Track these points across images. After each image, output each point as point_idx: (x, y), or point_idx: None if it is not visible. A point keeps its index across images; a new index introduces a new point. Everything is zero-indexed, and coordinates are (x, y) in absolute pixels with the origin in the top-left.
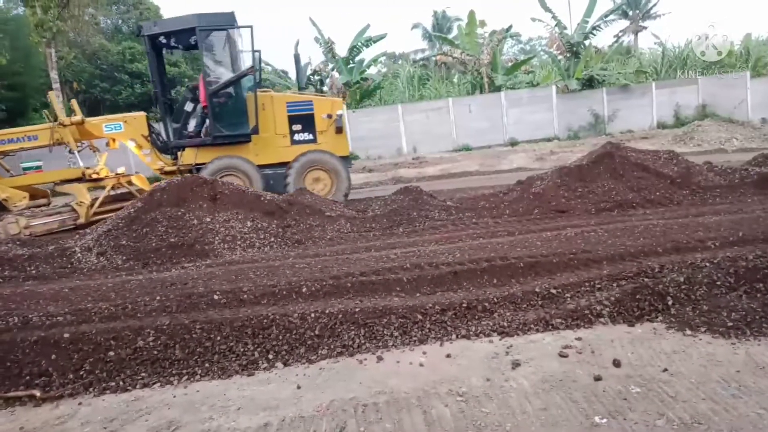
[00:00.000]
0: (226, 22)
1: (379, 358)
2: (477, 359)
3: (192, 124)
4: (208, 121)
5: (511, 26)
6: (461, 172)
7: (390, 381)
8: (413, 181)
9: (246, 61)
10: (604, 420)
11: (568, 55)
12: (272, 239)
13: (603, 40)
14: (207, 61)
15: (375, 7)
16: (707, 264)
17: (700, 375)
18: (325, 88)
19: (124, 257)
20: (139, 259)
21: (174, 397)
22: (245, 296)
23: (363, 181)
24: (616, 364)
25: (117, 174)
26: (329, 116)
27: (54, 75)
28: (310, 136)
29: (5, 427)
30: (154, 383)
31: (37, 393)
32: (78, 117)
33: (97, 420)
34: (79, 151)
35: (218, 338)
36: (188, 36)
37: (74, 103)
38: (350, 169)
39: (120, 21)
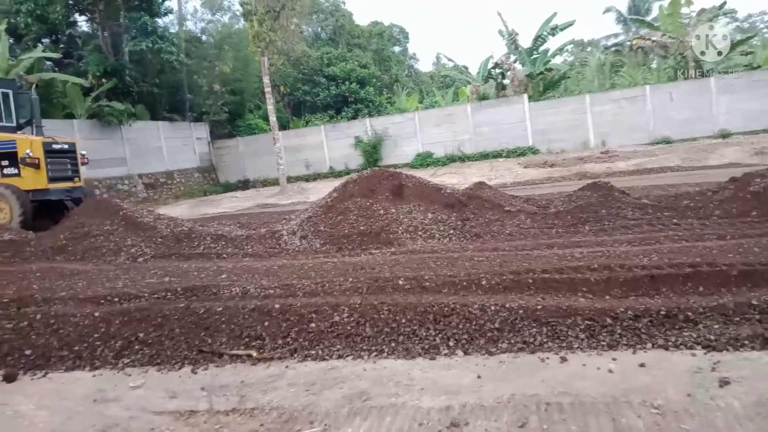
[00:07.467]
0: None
1: (563, 359)
2: (676, 372)
3: None
4: None
5: (725, 2)
6: (659, 167)
7: (575, 383)
8: (601, 176)
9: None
10: None
11: None
12: (451, 231)
13: None
14: None
15: None
16: None
17: None
18: (506, 81)
19: (322, 241)
20: (334, 243)
21: (364, 370)
22: (427, 284)
23: (544, 177)
24: None
25: None
26: (28, 154)
27: (266, 80)
28: (15, 171)
29: (230, 380)
30: (347, 356)
31: (254, 353)
32: None
33: (300, 383)
34: None
35: (403, 321)
36: None
37: None
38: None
39: (319, 28)
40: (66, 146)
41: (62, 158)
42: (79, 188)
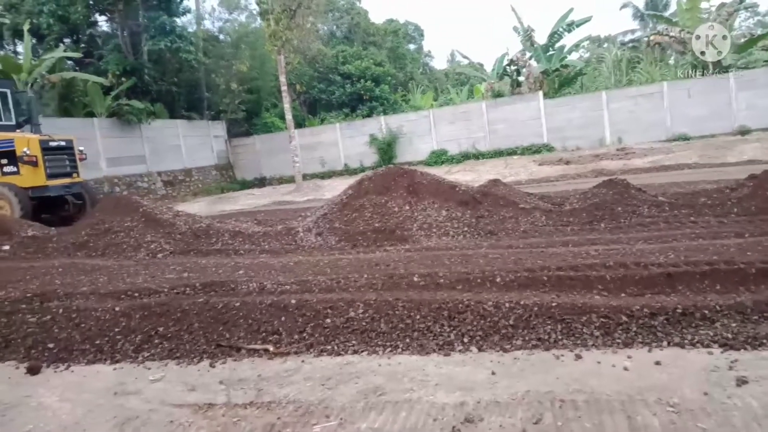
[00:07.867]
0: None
1: (578, 357)
2: (692, 370)
3: None
4: None
5: None
6: (676, 164)
7: (590, 381)
8: (618, 173)
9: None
10: None
11: None
12: (465, 229)
13: None
14: None
15: None
16: None
17: None
18: (521, 78)
19: (337, 238)
20: (349, 240)
21: (379, 365)
22: (441, 281)
23: (559, 174)
24: None
25: None
26: (25, 152)
27: (283, 79)
28: (14, 169)
29: (248, 373)
30: (362, 351)
31: (271, 348)
32: None
33: (316, 377)
34: None
35: (418, 317)
36: None
37: None
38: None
39: (335, 27)
40: (63, 143)
41: (60, 155)
42: (78, 183)
